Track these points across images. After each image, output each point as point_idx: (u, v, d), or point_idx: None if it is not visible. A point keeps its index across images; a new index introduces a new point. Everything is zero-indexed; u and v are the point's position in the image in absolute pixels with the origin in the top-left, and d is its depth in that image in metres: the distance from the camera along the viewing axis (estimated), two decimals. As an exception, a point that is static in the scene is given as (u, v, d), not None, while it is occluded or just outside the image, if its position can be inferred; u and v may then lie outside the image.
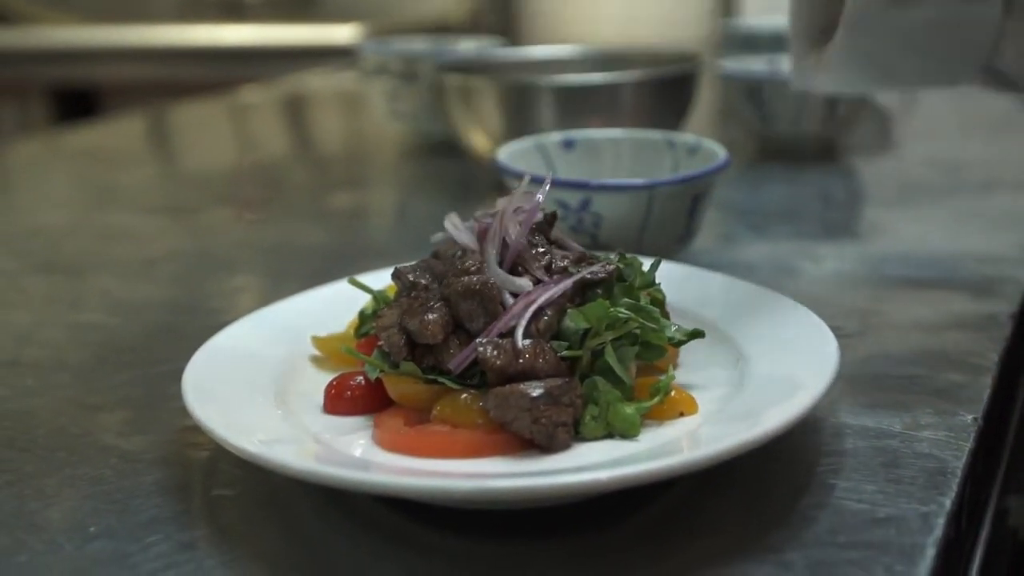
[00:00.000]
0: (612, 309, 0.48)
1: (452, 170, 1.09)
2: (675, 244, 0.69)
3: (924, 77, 0.60)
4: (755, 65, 1.08)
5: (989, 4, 0.54)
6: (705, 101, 1.05)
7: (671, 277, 0.56)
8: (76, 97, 2.47)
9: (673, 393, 0.48)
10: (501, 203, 0.52)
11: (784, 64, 1.07)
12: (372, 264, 0.64)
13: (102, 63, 2.42)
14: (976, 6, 0.54)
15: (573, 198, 0.66)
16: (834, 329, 0.51)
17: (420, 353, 0.49)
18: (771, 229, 0.86)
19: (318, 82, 1.80)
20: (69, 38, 2.49)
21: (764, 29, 1.31)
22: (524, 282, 0.49)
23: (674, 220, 0.67)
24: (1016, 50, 0.55)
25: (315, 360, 0.55)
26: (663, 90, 0.95)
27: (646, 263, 0.53)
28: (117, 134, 1.48)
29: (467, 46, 1.22)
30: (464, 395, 0.47)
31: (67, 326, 0.71)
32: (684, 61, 0.99)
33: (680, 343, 0.51)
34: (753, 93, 1.03)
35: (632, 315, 0.48)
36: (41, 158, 1.31)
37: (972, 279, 0.70)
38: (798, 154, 1.03)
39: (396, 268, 0.52)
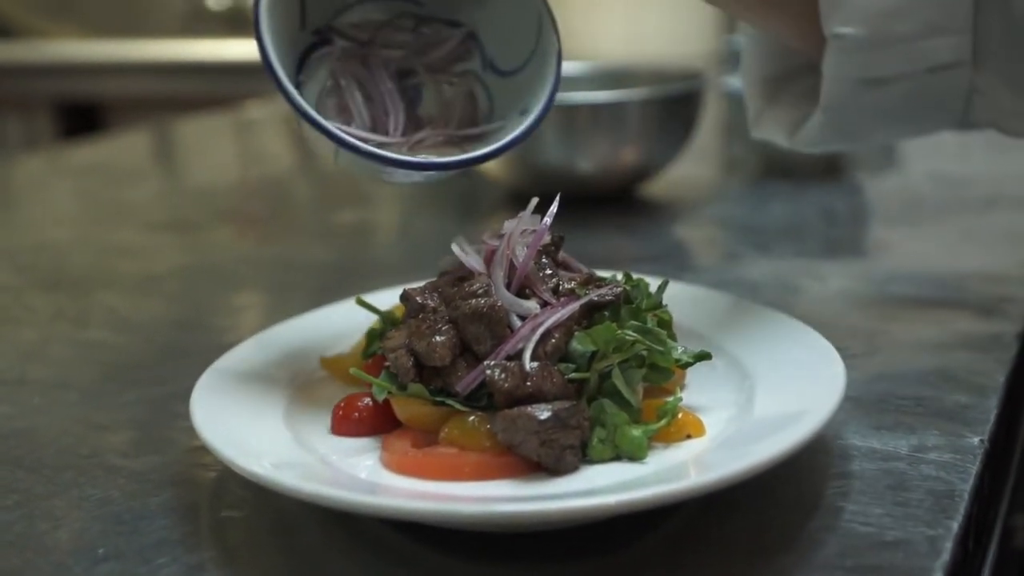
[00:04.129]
0: (619, 331, 0.48)
1: (456, 187, 1.09)
2: None
3: (900, 136, 0.61)
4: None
5: (959, 68, 0.55)
6: (709, 118, 1.05)
7: (677, 298, 0.56)
8: (81, 112, 2.48)
9: (680, 415, 0.48)
10: (508, 225, 0.52)
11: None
12: (377, 281, 0.64)
13: (107, 78, 2.43)
14: (947, 72, 0.55)
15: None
16: (839, 350, 0.51)
17: (428, 375, 0.49)
18: (775, 247, 0.86)
19: (322, 97, 1.80)
20: (74, 53, 2.50)
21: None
22: (531, 304, 0.49)
23: None
24: (987, 102, 0.57)
25: (322, 380, 0.55)
26: (668, 108, 0.95)
27: (653, 284, 0.53)
28: (122, 149, 1.48)
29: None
30: (472, 417, 0.47)
31: (73, 343, 0.71)
32: (689, 78, 0.99)
33: (687, 365, 0.51)
34: (757, 110, 1.02)
35: (639, 337, 0.48)
36: (46, 173, 1.32)
37: (977, 298, 0.70)
38: (802, 171, 1.03)
39: (404, 290, 0.52)
